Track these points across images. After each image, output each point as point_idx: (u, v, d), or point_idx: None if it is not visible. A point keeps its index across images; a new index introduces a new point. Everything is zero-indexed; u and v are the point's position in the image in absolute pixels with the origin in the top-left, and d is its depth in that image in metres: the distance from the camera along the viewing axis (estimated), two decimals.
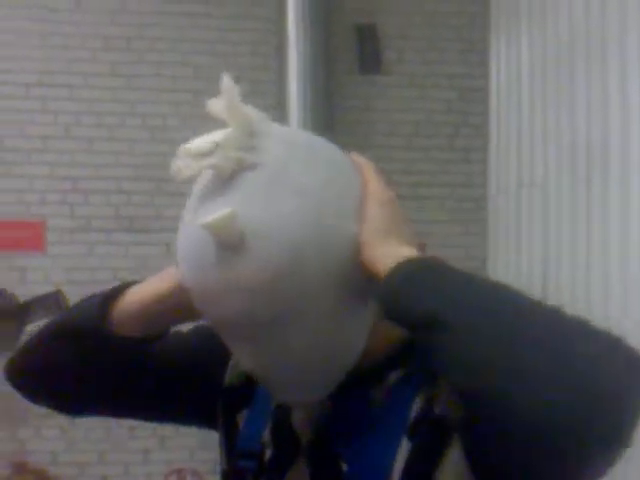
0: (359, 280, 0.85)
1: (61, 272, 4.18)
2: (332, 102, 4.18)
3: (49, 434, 4.19)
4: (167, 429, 4.24)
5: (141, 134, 4.30)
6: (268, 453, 0.96)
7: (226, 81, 0.82)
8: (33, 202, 4.22)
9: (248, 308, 0.79)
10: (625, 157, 2.76)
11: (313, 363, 0.86)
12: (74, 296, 4.14)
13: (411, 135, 4.43)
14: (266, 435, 0.97)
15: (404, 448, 0.86)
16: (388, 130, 4.41)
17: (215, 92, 0.82)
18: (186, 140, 0.84)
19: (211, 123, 0.85)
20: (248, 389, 1.03)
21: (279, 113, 4.00)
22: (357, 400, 0.92)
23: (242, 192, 0.80)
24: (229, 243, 0.78)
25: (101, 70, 4.27)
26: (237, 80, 0.83)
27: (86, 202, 4.26)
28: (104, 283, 4.34)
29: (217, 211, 0.78)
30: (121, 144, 4.28)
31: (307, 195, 0.81)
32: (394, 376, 0.91)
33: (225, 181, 0.80)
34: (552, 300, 0.73)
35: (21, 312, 1.13)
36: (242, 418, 1.02)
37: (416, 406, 0.88)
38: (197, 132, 0.85)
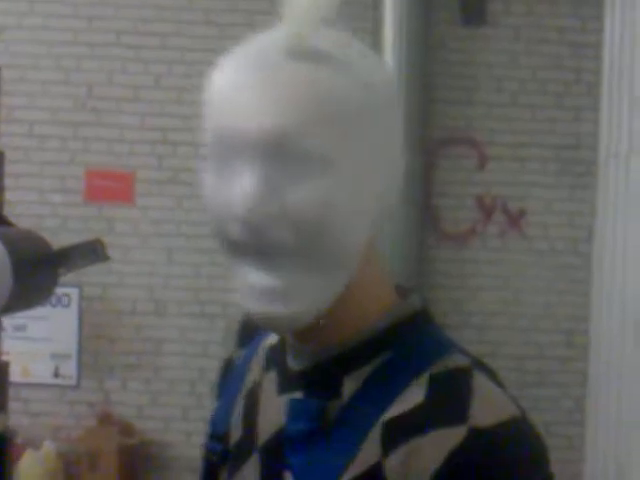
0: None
1: (149, 224, 4.14)
2: (431, 55, 3.98)
3: (134, 387, 4.18)
4: None
5: None
6: (235, 437, 0.92)
7: None
8: (123, 153, 4.17)
9: (288, 120, 0.72)
10: None
11: (318, 236, 0.73)
12: (160, 249, 4.09)
13: (516, 92, 4.17)
14: (234, 420, 0.93)
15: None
16: (492, 86, 4.16)
17: None
18: None
19: None
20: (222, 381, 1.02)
21: None
22: (319, 399, 0.80)
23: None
24: (302, 47, 0.74)
25: (194, 18, 4.16)
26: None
27: (174, 154, 4.18)
28: (191, 237, 4.25)
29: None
30: None
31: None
32: (369, 368, 0.79)
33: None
34: None
35: (58, 258, 1.07)
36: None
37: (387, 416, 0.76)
38: None
